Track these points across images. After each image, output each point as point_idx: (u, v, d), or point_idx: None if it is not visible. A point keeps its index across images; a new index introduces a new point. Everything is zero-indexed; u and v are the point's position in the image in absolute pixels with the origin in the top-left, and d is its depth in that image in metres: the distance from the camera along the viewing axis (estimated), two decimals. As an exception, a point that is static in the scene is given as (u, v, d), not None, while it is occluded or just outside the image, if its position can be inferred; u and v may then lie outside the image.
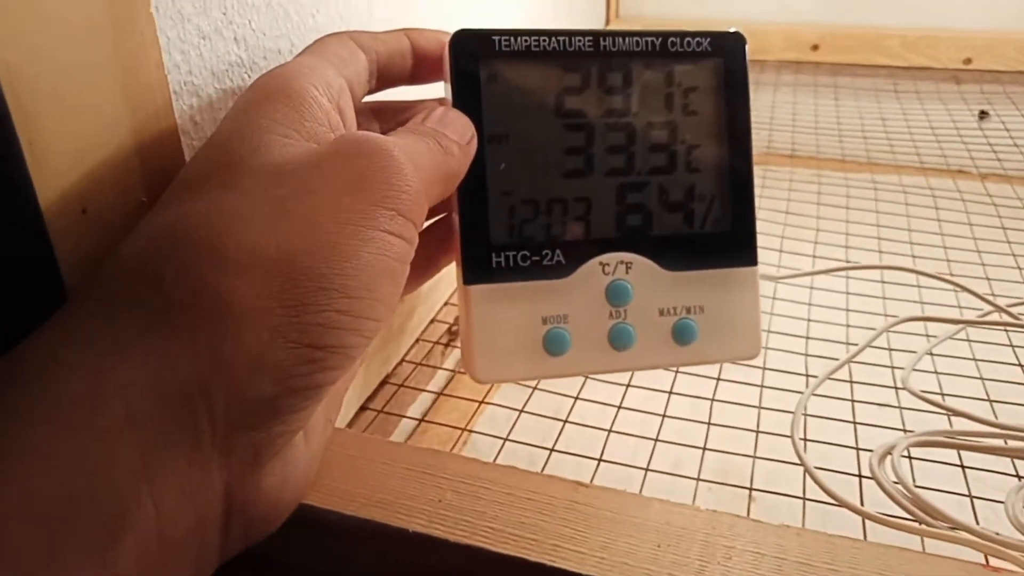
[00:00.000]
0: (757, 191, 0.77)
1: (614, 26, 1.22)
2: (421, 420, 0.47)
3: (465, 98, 0.39)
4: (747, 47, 0.43)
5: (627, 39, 0.41)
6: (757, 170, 0.81)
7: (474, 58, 0.39)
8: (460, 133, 0.34)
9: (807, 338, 0.53)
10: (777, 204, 0.72)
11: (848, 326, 0.54)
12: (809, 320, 0.55)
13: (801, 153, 0.86)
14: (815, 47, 1.12)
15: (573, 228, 0.40)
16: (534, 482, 0.33)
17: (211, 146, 0.29)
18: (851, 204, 0.72)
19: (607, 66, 0.40)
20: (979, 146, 0.85)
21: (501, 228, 0.39)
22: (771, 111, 0.97)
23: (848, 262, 0.62)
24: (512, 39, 0.39)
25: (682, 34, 0.42)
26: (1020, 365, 0.49)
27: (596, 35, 0.41)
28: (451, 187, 0.35)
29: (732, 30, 0.42)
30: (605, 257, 0.41)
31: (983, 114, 1.09)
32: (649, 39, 0.41)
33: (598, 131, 0.40)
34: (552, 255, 0.40)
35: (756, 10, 1.17)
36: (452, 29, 0.78)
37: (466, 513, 0.31)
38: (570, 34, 0.40)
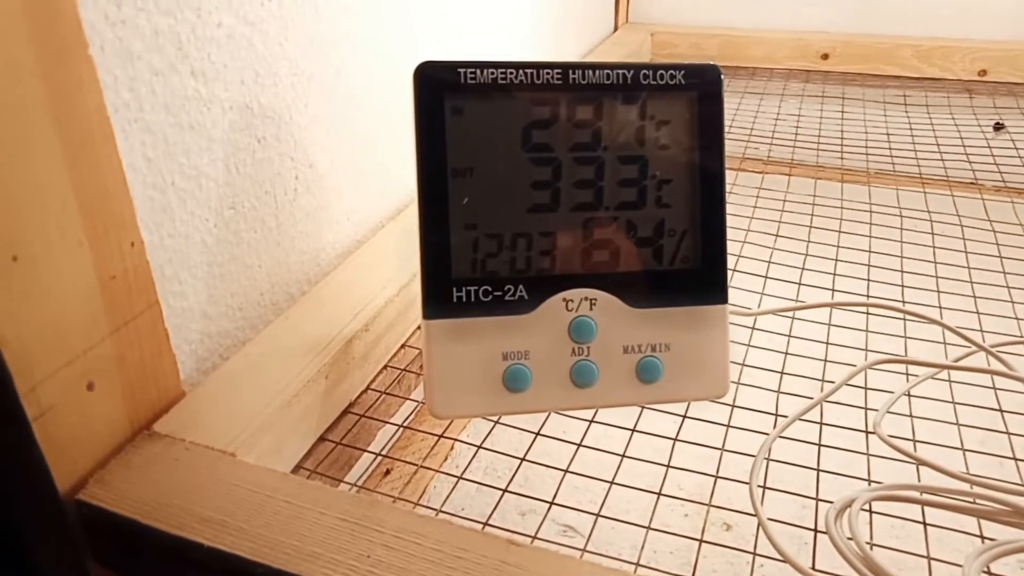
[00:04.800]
0: (751, 204, 0.75)
1: (623, 32, 1.20)
2: (379, 455, 0.46)
3: (429, 131, 0.38)
4: (723, 79, 0.42)
5: (597, 72, 0.40)
6: (753, 179, 0.80)
7: (439, 91, 0.38)
8: None
9: (782, 373, 0.51)
10: (769, 226, 0.70)
11: (827, 361, 0.53)
12: (787, 354, 0.53)
13: (802, 163, 0.84)
14: (825, 56, 1.09)
15: (537, 263, 0.40)
16: (466, 539, 0.33)
17: None
18: (844, 228, 0.70)
19: (577, 99, 0.40)
20: (984, 162, 0.83)
21: (463, 262, 0.39)
22: (775, 122, 0.96)
23: (834, 290, 0.61)
24: (478, 71, 0.39)
25: (655, 67, 0.41)
26: (1000, 410, 0.48)
27: (565, 67, 0.40)
28: None
29: (708, 62, 0.41)
30: (569, 293, 0.40)
31: (998, 126, 1.07)
32: (621, 72, 0.40)
33: (566, 165, 0.40)
34: (515, 290, 0.40)
35: (767, 18, 1.14)
36: (453, 46, 0.77)
37: (391, 571, 0.31)
38: (538, 67, 0.39)
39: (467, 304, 0.39)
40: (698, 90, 0.41)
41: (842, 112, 0.99)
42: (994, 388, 0.49)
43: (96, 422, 0.36)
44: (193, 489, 0.35)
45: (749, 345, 0.54)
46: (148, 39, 0.38)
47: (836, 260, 0.65)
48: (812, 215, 0.72)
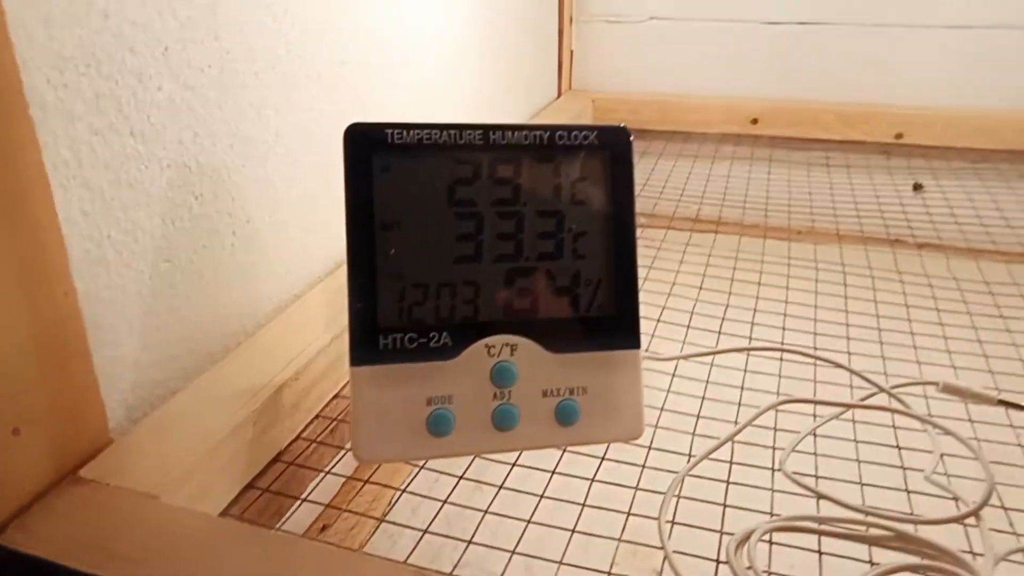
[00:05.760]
0: (678, 259, 0.79)
1: (566, 99, 1.26)
2: (305, 501, 0.47)
3: (358, 187, 0.41)
4: (632, 140, 0.45)
5: (516, 133, 0.43)
6: (682, 236, 0.84)
7: (367, 150, 0.41)
8: None
9: (698, 417, 0.54)
10: (694, 279, 0.74)
11: (741, 405, 0.56)
12: (704, 399, 0.56)
13: (728, 221, 0.89)
14: (755, 121, 1.16)
15: (461, 311, 0.42)
16: (377, 570, 0.34)
17: None
18: (763, 280, 0.74)
19: (498, 158, 0.43)
20: (896, 218, 0.88)
21: (390, 311, 0.41)
22: (705, 183, 1.01)
23: (751, 338, 0.64)
24: (404, 132, 0.42)
25: (570, 128, 0.44)
26: (898, 447, 0.51)
27: (486, 128, 0.43)
28: None
29: (619, 125, 0.45)
30: (491, 339, 0.42)
31: (918, 186, 1.13)
32: (537, 132, 0.44)
33: (488, 219, 0.42)
34: (439, 337, 0.42)
35: (701, 84, 1.21)
36: (395, 110, 0.81)
37: (306, 602, 0.32)
38: (461, 128, 0.43)
39: (393, 351, 0.41)
40: (610, 150, 0.44)
41: (768, 173, 1.04)
42: (894, 427, 0.53)
43: (20, 467, 0.37)
44: (113, 530, 0.36)
45: (669, 391, 0.57)
46: (89, 101, 0.40)
47: (755, 310, 0.68)
48: (734, 268, 0.76)
